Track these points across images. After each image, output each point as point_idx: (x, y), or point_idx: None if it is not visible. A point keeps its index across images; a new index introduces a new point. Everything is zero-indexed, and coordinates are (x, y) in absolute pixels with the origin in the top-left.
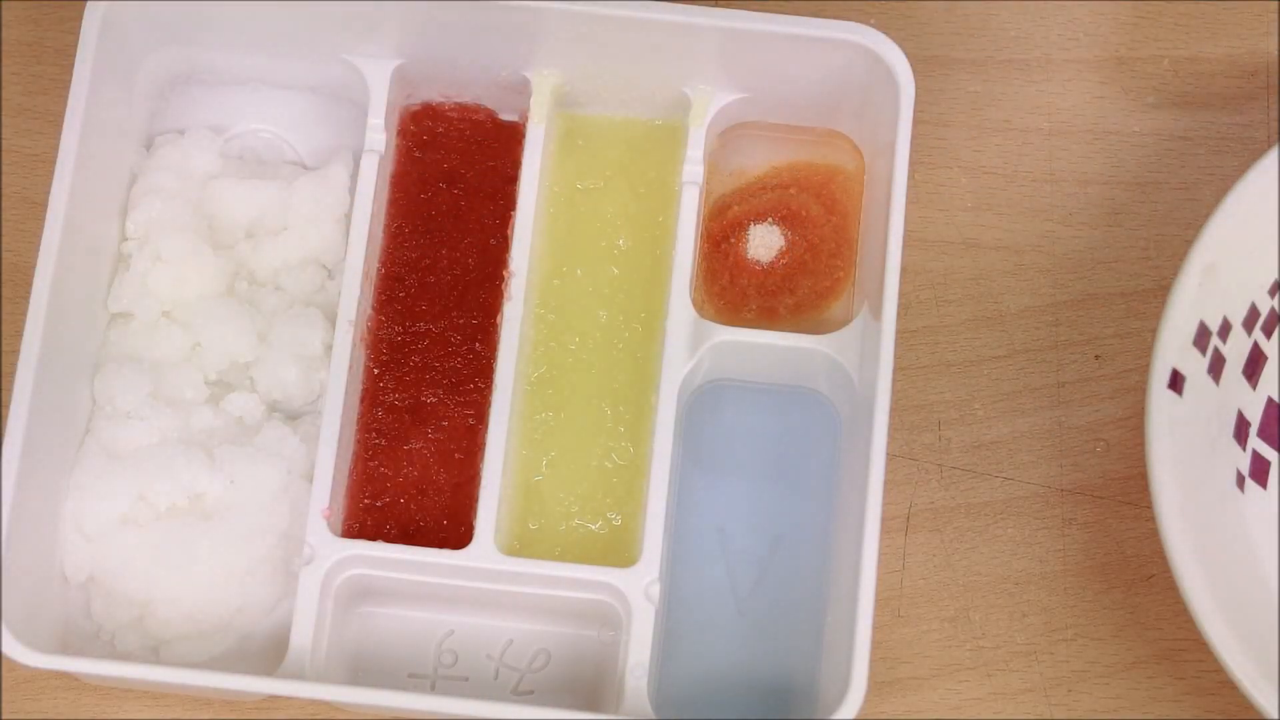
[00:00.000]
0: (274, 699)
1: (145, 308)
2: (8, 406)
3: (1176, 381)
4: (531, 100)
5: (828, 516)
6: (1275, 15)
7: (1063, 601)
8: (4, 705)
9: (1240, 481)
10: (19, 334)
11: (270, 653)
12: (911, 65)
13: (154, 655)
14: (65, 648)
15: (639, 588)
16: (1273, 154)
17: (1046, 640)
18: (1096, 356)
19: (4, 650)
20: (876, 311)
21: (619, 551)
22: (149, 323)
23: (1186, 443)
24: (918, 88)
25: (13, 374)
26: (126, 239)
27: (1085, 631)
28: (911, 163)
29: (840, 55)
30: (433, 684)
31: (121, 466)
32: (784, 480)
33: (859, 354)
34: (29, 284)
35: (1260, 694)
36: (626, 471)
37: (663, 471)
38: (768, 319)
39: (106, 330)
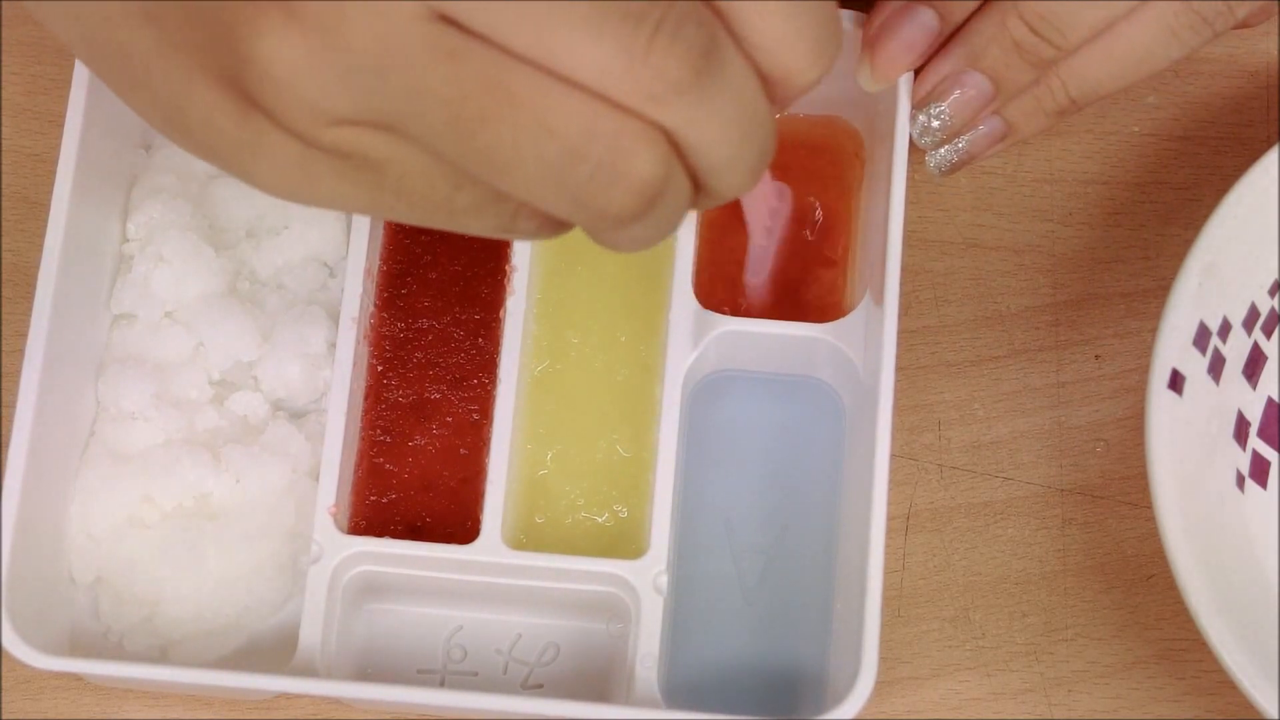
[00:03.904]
0: (277, 699)
1: (148, 309)
2: (9, 407)
3: (1176, 381)
4: None
5: (834, 505)
6: (1275, 15)
7: (1063, 601)
8: (4, 705)
9: (1240, 481)
10: (19, 334)
11: (279, 651)
12: None
13: (162, 655)
14: (74, 650)
15: (647, 579)
16: (1273, 154)
17: (1046, 640)
18: (1096, 356)
19: (13, 653)
20: (879, 298)
21: (626, 544)
22: (152, 324)
23: (1186, 443)
24: None
25: (15, 375)
26: (128, 240)
27: (1085, 631)
28: (912, 160)
29: None
30: (442, 679)
31: (127, 468)
32: (789, 469)
33: (862, 341)
34: (29, 284)
35: (1260, 694)
36: (632, 464)
37: (669, 463)
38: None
39: (109, 332)
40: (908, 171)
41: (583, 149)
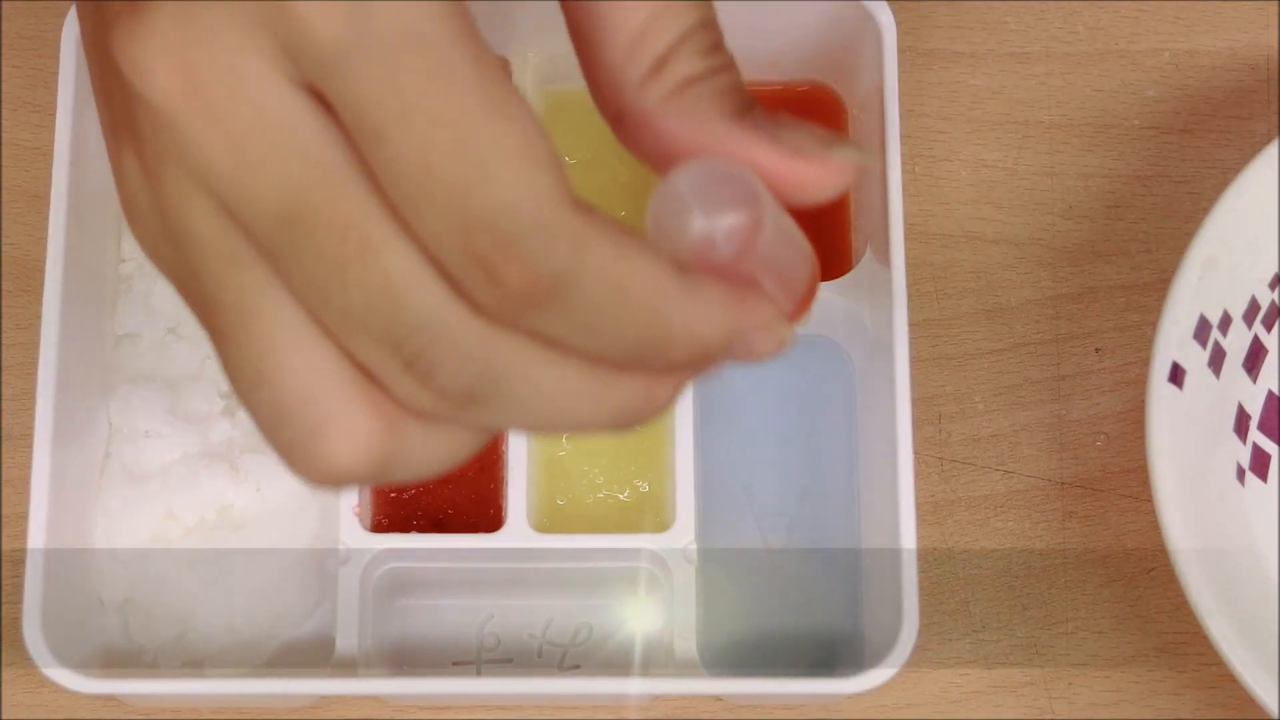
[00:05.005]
0: (312, 706)
1: (151, 327)
2: (8, 400)
3: (1177, 375)
4: (513, 80)
5: (850, 462)
6: (1276, 9)
7: (1063, 595)
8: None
9: (1240, 475)
10: (18, 327)
11: (313, 656)
12: (912, 59)
13: (198, 671)
14: (109, 671)
15: (677, 550)
16: (1273, 147)
17: (1047, 634)
18: (1097, 350)
19: (51, 677)
20: (880, 251)
21: (651, 517)
22: (156, 341)
23: (1187, 436)
24: (919, 81)
25: (14, 368)
26: (124, 260)
27: (1085, 625)
28: (912, 156)
29: (814, 9)
30: (478, 669)
31: (146, 486)
32: (803, 430)
33: (868, 295)
34: (29, 277)
35: (1260, 687)
36: (648, 437)
37: (686, 432)
38: None
39: (115, 353)
40: (907, 168)
41: (291, 412)
